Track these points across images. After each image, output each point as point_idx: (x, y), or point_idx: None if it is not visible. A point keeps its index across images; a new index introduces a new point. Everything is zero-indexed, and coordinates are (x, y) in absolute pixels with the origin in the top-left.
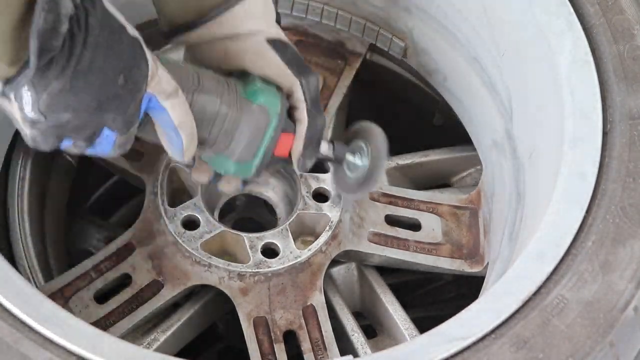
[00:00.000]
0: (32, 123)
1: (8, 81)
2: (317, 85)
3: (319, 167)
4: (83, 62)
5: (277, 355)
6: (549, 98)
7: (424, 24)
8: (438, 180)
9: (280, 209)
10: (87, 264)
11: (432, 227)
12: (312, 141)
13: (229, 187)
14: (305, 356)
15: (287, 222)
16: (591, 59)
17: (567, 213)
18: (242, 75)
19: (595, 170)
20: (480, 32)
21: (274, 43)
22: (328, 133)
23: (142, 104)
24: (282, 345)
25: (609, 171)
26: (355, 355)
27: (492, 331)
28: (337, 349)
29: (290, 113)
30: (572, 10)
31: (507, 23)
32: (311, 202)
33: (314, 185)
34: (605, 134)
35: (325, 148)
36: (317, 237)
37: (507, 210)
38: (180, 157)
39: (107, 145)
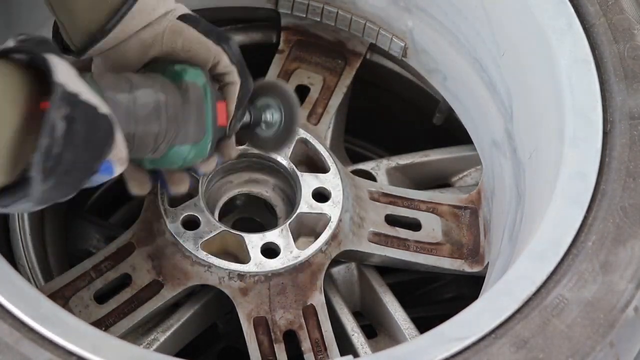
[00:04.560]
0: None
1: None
2: (238, 49)
3: (319, 166)
4: (67, 163)
5: (277, 355)
6: (549, 98)
7: (424, 24)
8: (438, 180)
9: (280, 209)
10: (87, 264)
11: (432, 227)
12: (243, 103)
13: (180, 187)
14: (305, 356)
15: (287, 222)
16: (591, 58)
17: (567, 213)
18: (152, 69)
19: (595, 170)
20: (480, 32)
21: (187, 18)
22: (328, 134)
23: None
24: (282, 345)
25: (609, 171)
26: (355, 355)
27: (492, 331)
28: (337, 349)
29: (218, 81)
30: (572, 10)
31: (507, 23)
32: (311, 202)
33: (314, 185)
34: (605, 134)
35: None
36: (317, 237)
37: (507, 210)
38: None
39: None
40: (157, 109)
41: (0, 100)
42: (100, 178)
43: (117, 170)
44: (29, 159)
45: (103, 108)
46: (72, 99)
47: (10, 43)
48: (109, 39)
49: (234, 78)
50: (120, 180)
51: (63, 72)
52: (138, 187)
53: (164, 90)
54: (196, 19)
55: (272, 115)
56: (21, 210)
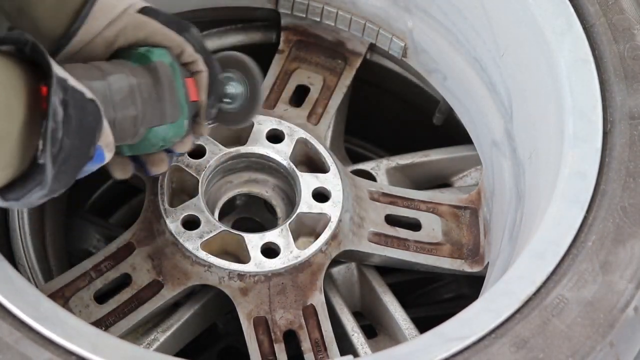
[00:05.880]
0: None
1: (10, 187)
2: (201, 37)
3: (319, 166)
4: (65, 150)
5: (277, 355)
6: (549, 98)
7: (424, 23)
8: (438, 180)
9: (280, 209)
10: (87, 264)
11: (432, 227)
12: (214, 88)
13: (160, 167)
14: (305, 356)
15: (287, 222)
16: (591, 58)
17: (567, 213)
18: (117, 56)
19: (595, 170)
20: (480, 32)
21: (147, 11)
22: (328, 134)
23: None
24: (282, 345)
25: (609, 171)
26: (355, 355)
27: (492, 331)
28: (337, 349)
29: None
30: (572, 10)
31: (507, 23)
32: (311, 202)
33: (314, 185)
34: (605, 134)
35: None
36: (317, 237)
37: (507, 210)
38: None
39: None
40: (131, 93)
41: (8, 93)
42: (92, 166)
43: (107, 156)
44: (36, 147)
45: (89, 93)
46: (64, 84)
47: None
48: (74, 43)
49: (200, 66)
50: (120, 180)
51: (51, 59)
52: (121, 172)
53: (135, 74)
54: (156, 11)
55: (235, 88)
56: (31, 203)
